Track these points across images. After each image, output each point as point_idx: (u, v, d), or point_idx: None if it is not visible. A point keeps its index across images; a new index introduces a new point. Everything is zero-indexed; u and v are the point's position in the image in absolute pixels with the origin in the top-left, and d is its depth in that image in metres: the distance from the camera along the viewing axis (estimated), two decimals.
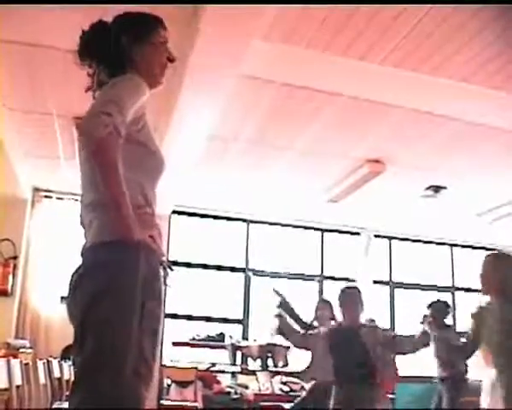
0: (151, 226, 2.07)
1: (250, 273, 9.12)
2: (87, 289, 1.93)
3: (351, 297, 4.94)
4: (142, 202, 2.05)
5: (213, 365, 8.18)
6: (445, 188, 7.43)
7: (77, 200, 7.87)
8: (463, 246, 10.12)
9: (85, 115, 1.92)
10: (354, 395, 4.61)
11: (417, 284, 9.75)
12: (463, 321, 7.67)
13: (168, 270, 2.15)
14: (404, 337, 4.78)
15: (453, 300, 9.82)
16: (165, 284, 2.12)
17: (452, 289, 9.97)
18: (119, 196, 1.90)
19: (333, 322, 6.59)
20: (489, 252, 4.21)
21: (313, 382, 6.31)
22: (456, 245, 10.11)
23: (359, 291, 5.05)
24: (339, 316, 5.05)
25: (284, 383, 8.10)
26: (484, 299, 4.05)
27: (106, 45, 2.20)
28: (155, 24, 2.31)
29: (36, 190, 8.14)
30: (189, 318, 8.75)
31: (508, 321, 3.78)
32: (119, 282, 1.90)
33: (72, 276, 2.02)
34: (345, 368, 4.76)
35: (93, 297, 1.91)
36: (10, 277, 7.63)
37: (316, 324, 6.58)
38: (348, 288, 5.12)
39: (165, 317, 8.28)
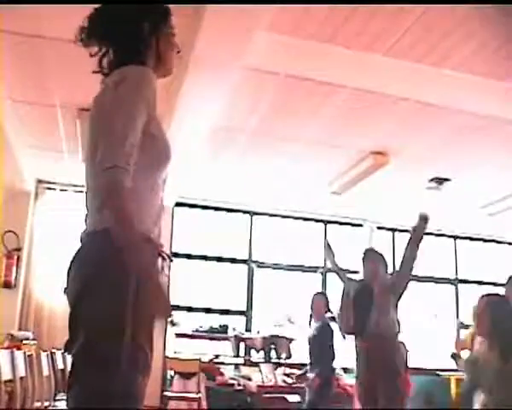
0: (152, 215, 2.06)
1: (253, 265, 9.12)
2: (80, 278, 1.93)
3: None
4: (146, 192, 2.04)
5: (216, 356, 8.20)
6: (448, 180, 7.42)
7: (80, 191, 7.90)
8: (467, 238, 10.11)
9: (104, 179, 1.91)
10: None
11: (420, 276, 9.74)
12: (466, 314, 7.69)
13: (167, 260, 2.14)
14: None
15: (456, 292, 9.82)
16: (164, 275, 2.11)
17: (455, 281, 9.96)
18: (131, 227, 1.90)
19: (328, 314, 6.65)
20: (484, 293, 4.14)
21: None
22: (459, 237, 10.10)
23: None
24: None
25: (287, 375, 8.12)
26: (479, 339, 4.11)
27: (121, 28, 2.18)
28: (169, 14, 2.29)
29: (39, 181, 8.15)
30: (193, 309, 8.75)
31: (495, 368, 3.74)
32: (111, 270, 1.89)
33: (70, 263, 2.02)
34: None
35: (86, 286, 1.90)
36: (14, 268, 7.66)
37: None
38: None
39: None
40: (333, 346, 6.62)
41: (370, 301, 4.91)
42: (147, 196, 2.04)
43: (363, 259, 5.30)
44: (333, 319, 6.57)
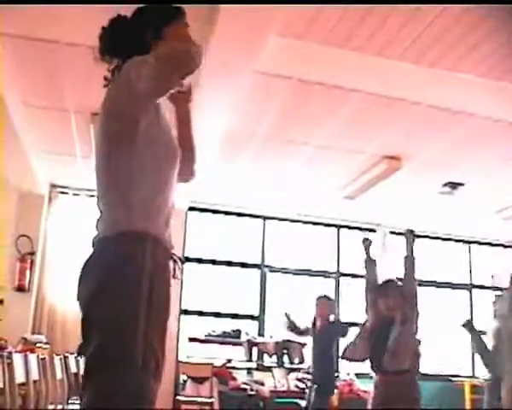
0: (163, 218, 2.05)
1: (266, 270, 9.11)
2: (92, 282, 1.94)
3: None
4: (155, 194, 2.03)
5: (229, 361, 8.19)
6: (462, 184, 7.37)
7: (93, 196, 7.92)
8: (481, 243, 10.04)
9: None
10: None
11: (434, 282, 9.68)
12: (480, 319, 7.64)
13: (179, 262, 2.13)
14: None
15: (470, 298, 9.75)
16: (175, 277, 2.11)
17: (469, 286, 9.89)
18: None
19: (332, 317, 6.63)
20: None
21: None
22: (473, 242, 10.03)
23: None
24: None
25: (300, 380, 8.09)
26: None
27: (128, 40, 2.18)
28: (179, 15, 2.27)
29: (52, 186, 8.19)
30: (205, 314, 8.75)
31: None
32: (123, 274, 1.90)
33: (82, 267, 2.03)
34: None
35: (98, 290, 1.91)
36: (27, 272, 7.69)
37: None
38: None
39: (181, 313, 8.30)
40: (335, 348, 6.63)
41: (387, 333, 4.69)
42: (155, 197, 2.04)
43: (382, 291, 4.89)
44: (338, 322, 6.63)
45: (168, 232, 2.08)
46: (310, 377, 6.78)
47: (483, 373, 6.40)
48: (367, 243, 5.25)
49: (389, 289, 4.79)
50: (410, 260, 4.79)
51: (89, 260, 2.00)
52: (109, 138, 2.07)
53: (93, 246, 2.02)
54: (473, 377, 9.10)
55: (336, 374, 6.81)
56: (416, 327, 4.69)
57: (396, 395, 4.46)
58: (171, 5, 2.27)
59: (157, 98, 2.05)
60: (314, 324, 6.68)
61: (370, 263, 5.24)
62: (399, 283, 4.80)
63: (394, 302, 4.67)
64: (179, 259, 2.13)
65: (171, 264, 2.09)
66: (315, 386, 6.34)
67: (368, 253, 5.22)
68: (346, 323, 6.79)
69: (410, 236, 4.88)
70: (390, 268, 9.26)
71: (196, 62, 1.95)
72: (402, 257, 4.85)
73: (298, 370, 8.31)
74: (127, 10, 2.30)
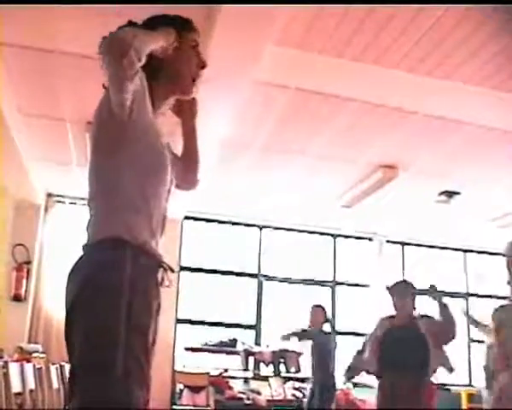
0: (149, 223, 2.04)
1: (262, 279, 9.10)
2: (73, 288, 1.95)
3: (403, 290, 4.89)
4: (141, 202, 2.01)
5: (226, 370, 8.18)
6: (458, 193, 7.38)
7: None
8: (477, 252, 10.05)
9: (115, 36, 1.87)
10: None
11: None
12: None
13: (169, 271, 2.13)
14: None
15: (467, 306, 9.75)
16: (163, 285, 2.11)
17: (466, 295, 9.90)
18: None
19: (326, 325, 6.66)
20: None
21: None
22: (469, 251, 10.04)
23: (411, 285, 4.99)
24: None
25: (297, 389, 8.08)
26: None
27: None
28: (186, 27, 2.23)
29: (49, 195, 8.19)
30: (202, 323, 8.74)
31: None
32: (101, 280, 1.89)
33: (68, 275, 2.04)
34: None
35: (77, 296, 1.92)
36: (24, 281, 7.67)
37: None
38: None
39: (178, 322, 8.29)
40: (332, 356, 6.68)
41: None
42: (139, 205, 2.01)
43: (393, 291, 4.95)
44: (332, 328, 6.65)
45: (155, 240, 2.06)
46: (310, 384, 6.77)
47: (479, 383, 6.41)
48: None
49: (403, 287, 4.84)
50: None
51: (74, 266, 2.02)
52: (96, 146, 2.08)
53: (82, 251, 2.04)
54: (470, 385, 9.10)
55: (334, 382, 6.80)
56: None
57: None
58: (183, 18, 2.25)
59: (120, 93, 1.95)
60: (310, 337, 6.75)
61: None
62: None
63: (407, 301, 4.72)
64: (169, 268, 2.13)
65: (159, 272, 2.08)
66: (317, 393, 6.37)
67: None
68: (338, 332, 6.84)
69: (438, 296, 4.90)
70: (385, 277, 9.31)
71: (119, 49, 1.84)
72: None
73: (294, 379, 8.29)
74: (125, 17, 2.29)
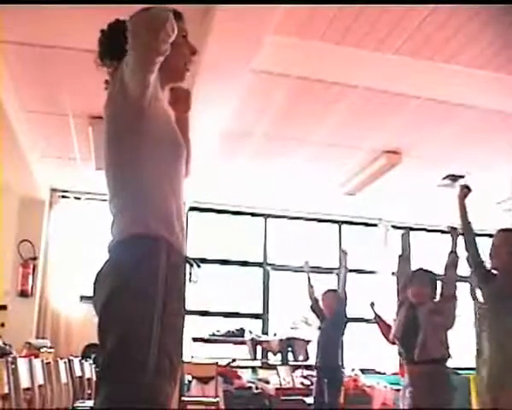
0: (175, 218, 2.04)
1: (268, 268, 9.11)
2: (107, 287, 1.92)
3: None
4: (169, 192, 2.01)
5: (234, 360, 8.18)
6: (462, 177, 7.36)
7: (94, 199, 7.94)
8: (482, 235, 10.00)
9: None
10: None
11: (438, 275, 9.66)
12: None
13: (195, 265, 2.13)
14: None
15: (473, 290, 9.73)
16: (191, 280, 2.11)
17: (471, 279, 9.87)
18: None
19: (338, 309, 6.67)
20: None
21: None
22: (475, 235, 9.98)
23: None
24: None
25: (305, 377, 8.09)
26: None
27: (125, 44, 2.18)
28: (177, 18, 2.19)
29: (53, 190, 8.19)
30: (209, 314, 8.76)
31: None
32: (138, 278, 1.88)
33: (97, 273, 2.02)
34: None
35: (112, 294, 1.89)
36: (30, 277, 7.70)
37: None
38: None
39: (185, 313, 8.30)
40: (342, 340, 6.76)
41: (416, 325, 4.64)
42: (165, 198, 2.02)
43: (412, 280, 4.85)
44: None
45: (182, 235, 2.06)
46: (316, 371, 6.77)
47: None
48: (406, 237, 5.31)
49: (420, 277, 4.80)
50: (454, 255, 4.85)
51: (104, 266, 1.99)
52: (113, 141, 2.06)
53: (109, 252, 2.01)
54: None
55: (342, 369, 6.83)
56: (454, 319, 4.67)
57: (425, 384, 4.41)
58: (168, 8, 2.26)
59: (148, 73, 1.96)
60: (321, 318, 6.73)
61: (404, 260, 5.23)
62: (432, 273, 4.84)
63: (425, 290, 4.68)
64: (195, 262, 2.13)
65: (187, 267, 2.08)
66: (325, 380, 6.36)
67: (404, 248, 5.25)
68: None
69: (455, 232, 4.97)
70: (392, 262, 9.29)
71: (164, 23, 1.88)
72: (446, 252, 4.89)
73: (303, 367, 8.30)
74: (125, 13, 2.28)
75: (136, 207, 1.98)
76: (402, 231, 5.39)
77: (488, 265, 4.24)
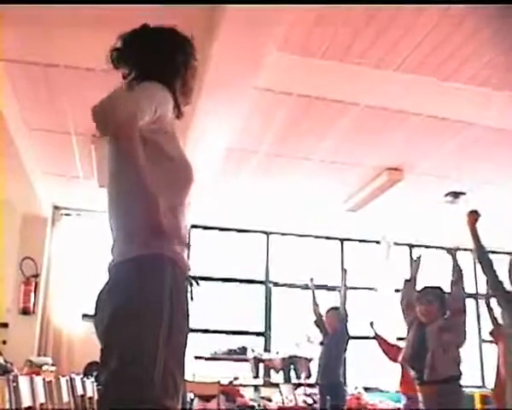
0: (178, 239, 2.03)
1: (271, 285, 9.09)
2: (112, 306, 1.90)
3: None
4: (171, 216, 1.99)
5: (236, 378, 8.15)
6: (464, 194, 7.37)
7: (96, 217, 7.94)
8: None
9: (109, 98, 1.90)
10: None
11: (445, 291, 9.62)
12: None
13: (194, 284, 2.12)
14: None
15: (477, 307, 9.71)
16: (192, 298, 2.10)
17: (476, 295, 9.85)
18: (147, 184, 1.87)
19: (340, 327, 6.65)
20: None
21: None
22: (491, 258, 9.94)
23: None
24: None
25: (308, 395, 8.04)
26: None
27: (156, 54, 2.20)
28: (194, 47, 2.32)
29: (56, 208, 8.21)
30: (211, 331, 8.73)
31: None
32: (144, 298, 1.87)
33: (99, 293, 2.01)
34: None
35: (118, 314, 1.88)
36: (32, 295, 7.69)
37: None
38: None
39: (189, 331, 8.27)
40: (344, 357, 6.71)
41: (426, 345, 4.56)
42: (169, 218, 1.98)
43: (419, 299, 4.76)
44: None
45: (185, 253, 2.06)
46: (318, 388, 6.76)
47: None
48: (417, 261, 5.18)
49: (427, 295, 4.74)
50: (458, 271, 4.73)
51: (105, 286, 1.98)
52: (117, 161, 2.06)
53: (109, 272, 2.01)
54: (483, 386, 9.04)
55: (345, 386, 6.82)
56: (465, 334, 4.58)
57: (437, 405, 4.34)
58: (189, 37, 2.30)
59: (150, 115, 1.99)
60: (325, 333, 6.74)
61: (411, 284, 5.09)
62: (440, 290, 4.74)
63: (434, 308, 4.62)
64: (195, 280, 2.12)
65: (187, 286, 2.08)
66: (327, 397, 6.35)
67: (413, 273, 5.12)
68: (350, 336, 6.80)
69: (452, 251, 4.90)
70: (395, 279, 9.27)
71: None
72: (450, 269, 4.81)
73: (305, 385, 8.26)
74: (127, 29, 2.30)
75: (138, 227, 1.95)
76: (414, 257, 5.29)
77: (508, 286, 4.21)
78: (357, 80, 4.85)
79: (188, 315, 2.04)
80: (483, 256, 4.53)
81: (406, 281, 5.12)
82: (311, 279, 7.34)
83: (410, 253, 9.73)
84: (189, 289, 2.08)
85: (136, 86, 2.04)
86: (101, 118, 1.90)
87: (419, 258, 5.27)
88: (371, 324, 6.58)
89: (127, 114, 1.85)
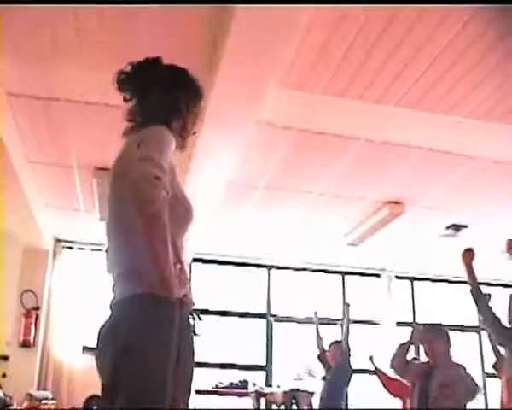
0: (181, 275, 2.04)
1: (272, 319, 9.05)
2: (120, 343, 1.89)
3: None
4: (172, 255, 1.99)
5: None
6: (465, 226, 7.36)
7: (98, 250, 7.94)
8: (487, 284, 9.95)
9: (135, 173, 1.87)
10: None
11: (441, 325, 9.56)
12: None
13: (197, 319, 2.13)
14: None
15: (479, 339, 9.64)
16: (195, 334, 2.10)
17: (478, 328, 9.78)
18: (167, 259, 1.87)
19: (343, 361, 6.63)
20: None
21: None
22: (479, 284, 9.92)
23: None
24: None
25: None
26: None
27: (163, 89, 2.22)
28: (201, 95, 2.35)
29: (57, 241, 8.22)
30: (212, 365, 8.66)
31: None
32: (151, 336, 1.88)
33: (101, 329, 2.00)
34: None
35: (126, 351, 1.87)
36: (32, 328, 7.66)
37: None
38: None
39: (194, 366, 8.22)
40: (346, 392, 6.76)
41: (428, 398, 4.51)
42: (174, 258, 1.99)
43: (423, 336, 4.85)
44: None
45: (188, 287, 2.06)
46: None
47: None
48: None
49: (430, 332, 4.72)
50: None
51: (108, 323, 1.98)
52: (118, 198, 2.07)
53: (111, 309, 2.01)
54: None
55: None
56: (470, 387, 4.54)
57: None
58: (198, 86, 2.33)
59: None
60: (327, 368, 6.71)
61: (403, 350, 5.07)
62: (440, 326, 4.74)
63: (437, 346, 4.59)
64: (198, 316, 2.12)
65: (190, 321, 2.08)
66: None
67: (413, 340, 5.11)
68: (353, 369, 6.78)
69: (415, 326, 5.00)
70: (394, 314, 9.24)
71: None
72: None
73: None
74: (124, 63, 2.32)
75: (140, 265, 1.94)
76: (415, 325, 5.27)
77: (504, 321, 4.20)
78: (357, 115, 4.89)
79: (193, 350, 2.04)
80: (478, 295, 4.55)
81: (400, 345, 5.09)
82: (315, 313, 7.33)
83: (412, 286, 9.70)
84: (193, 323, 2.08)
85: (146, 138, 2.02)
86: (139, 204, 1.89)
87: (419, 328, 5.23)
88: (371, 358, 6.55)
89: (160, 205, 1.87)
